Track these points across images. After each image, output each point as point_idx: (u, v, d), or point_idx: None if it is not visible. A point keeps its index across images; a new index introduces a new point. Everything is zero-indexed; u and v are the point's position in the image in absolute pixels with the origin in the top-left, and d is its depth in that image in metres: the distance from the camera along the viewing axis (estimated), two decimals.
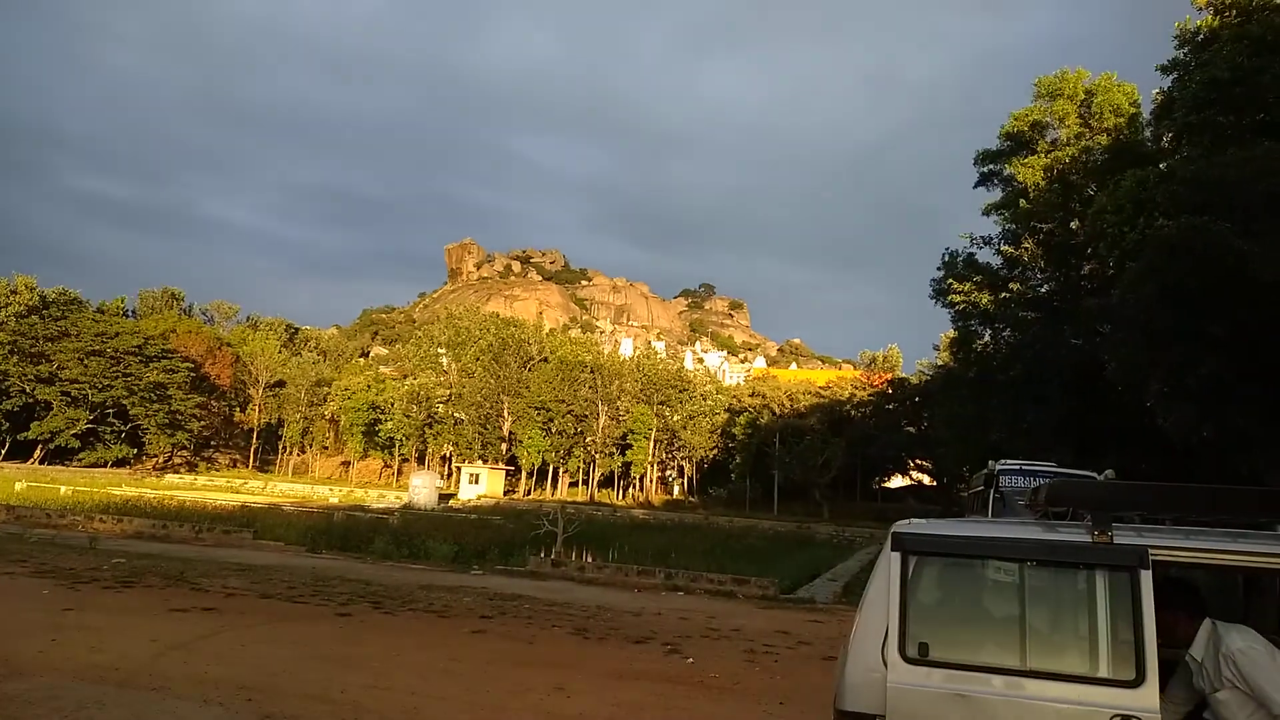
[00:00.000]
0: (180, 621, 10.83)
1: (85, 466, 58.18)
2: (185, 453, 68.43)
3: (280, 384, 77.57)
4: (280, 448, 78.27)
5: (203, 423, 67.34)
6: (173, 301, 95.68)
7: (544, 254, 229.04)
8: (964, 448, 37.77)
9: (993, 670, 3.73)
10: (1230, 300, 18.48)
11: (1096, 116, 30.83)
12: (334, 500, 49.66)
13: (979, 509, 15.43)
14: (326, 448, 79.39)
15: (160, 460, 65.42)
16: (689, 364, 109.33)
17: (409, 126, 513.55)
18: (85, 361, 59.75)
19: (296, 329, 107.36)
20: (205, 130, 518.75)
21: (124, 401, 60.67)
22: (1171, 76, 24.10)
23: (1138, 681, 3.54)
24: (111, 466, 60.40)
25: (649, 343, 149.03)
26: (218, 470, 69.09)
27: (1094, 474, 13.89)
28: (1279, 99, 20.18)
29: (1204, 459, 23.82)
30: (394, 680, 8.48)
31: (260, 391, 75.87)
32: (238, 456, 76.09)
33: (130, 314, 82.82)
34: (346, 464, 77.88)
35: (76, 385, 59.45)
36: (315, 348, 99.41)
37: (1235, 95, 20.65)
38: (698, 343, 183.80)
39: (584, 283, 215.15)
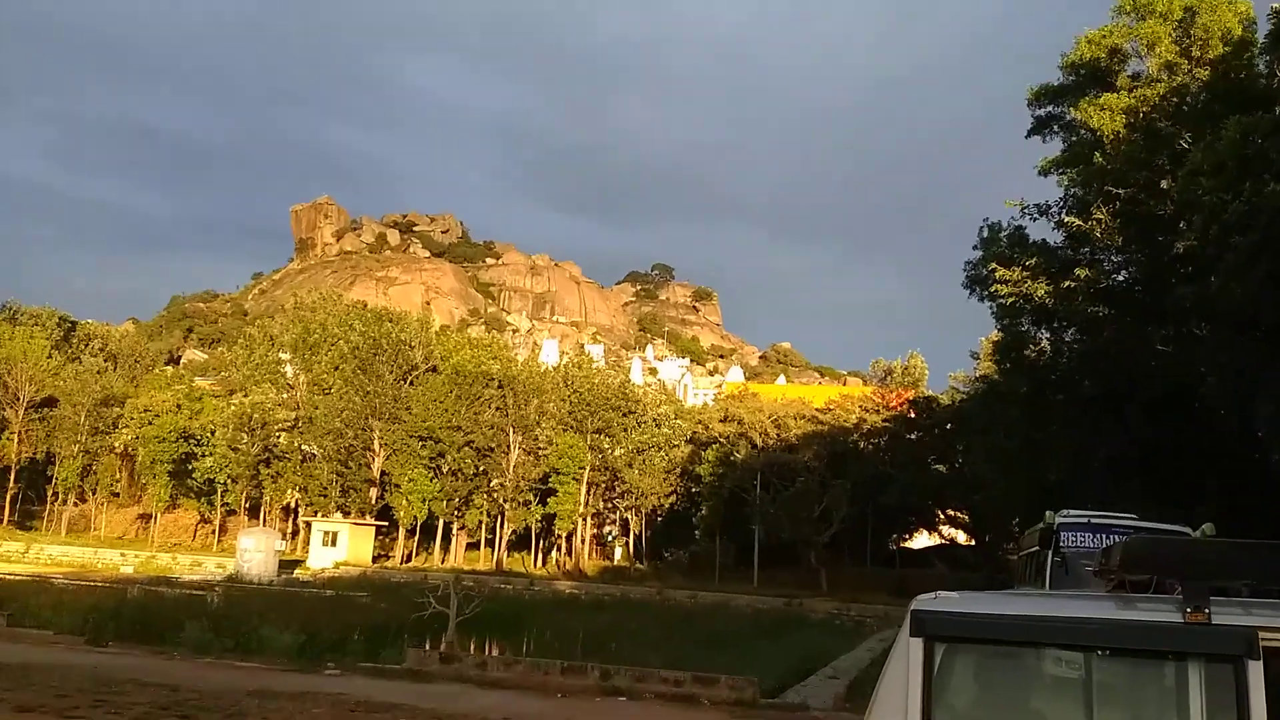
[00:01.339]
0: None
1: None
2: None
3: (51, 402, 75.69)
4: (50, 494, 76.32)
5: None
6: None
7: (434, 220, 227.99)
8: (1012, 492, 38.47)
9: None
10: None
11: (1198, 44, 31.55)
12: (128, 570, 48.68)
13: (1033, 576, 15.73)
14: (118, 495, 77.67)
15: None
16: (637, 376, 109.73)
17: (250, 40, 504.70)
18: None
19: (74, 323, 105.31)
20: None
21: None
22: None
23: None
24: None
25: (581, 346, 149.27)
26: None
27: (1188, 529, 14.25)
28: None
29: None
30: None
31: (21, 413, 73.79)
32: None
33: None
34: (146, 518, 76.31)
35: None
36: (102, 350, 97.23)
37: None
38: (650, 346, 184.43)
39: (490, 261, 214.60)
